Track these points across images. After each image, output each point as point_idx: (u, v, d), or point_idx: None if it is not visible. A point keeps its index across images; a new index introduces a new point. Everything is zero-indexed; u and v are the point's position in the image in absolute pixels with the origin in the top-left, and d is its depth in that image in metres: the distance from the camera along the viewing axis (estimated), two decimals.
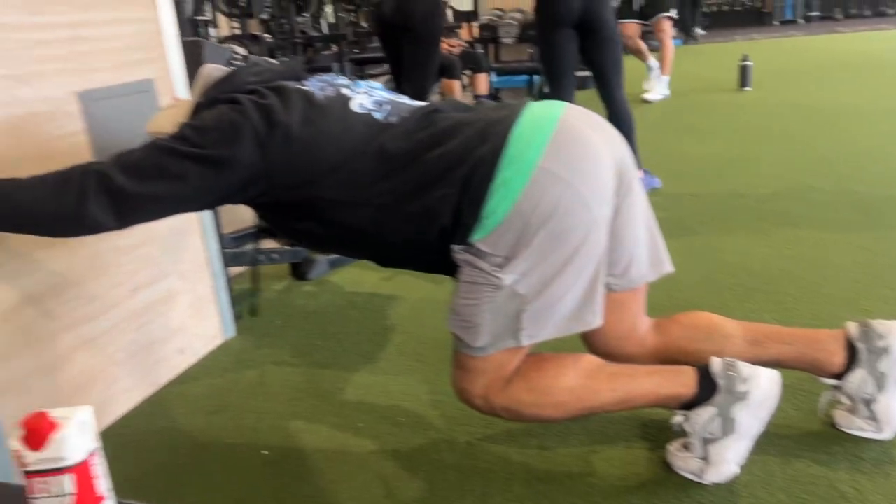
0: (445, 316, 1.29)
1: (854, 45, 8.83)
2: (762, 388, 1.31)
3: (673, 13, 6.08)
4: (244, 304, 2.31)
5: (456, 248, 1.24)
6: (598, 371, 1.34)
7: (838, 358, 1.41)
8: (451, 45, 5.01)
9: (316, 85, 1.33)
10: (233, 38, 8.29)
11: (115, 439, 1.53)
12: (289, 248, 2.56)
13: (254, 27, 9.04)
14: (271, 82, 1.31)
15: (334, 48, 9.27)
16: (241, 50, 2.26)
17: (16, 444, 0.76)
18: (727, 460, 1.33)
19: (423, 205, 1.23)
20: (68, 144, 1.58)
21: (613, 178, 1.27)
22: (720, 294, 2.18)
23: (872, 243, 2.46)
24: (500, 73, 6.38)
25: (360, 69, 9.17)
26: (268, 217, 1.38)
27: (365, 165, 1.24)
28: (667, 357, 1.44)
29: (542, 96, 6.58)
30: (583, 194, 1.21)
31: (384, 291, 2.42)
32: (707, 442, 1.33)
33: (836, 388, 1.44)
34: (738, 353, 1.40)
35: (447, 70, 4.70)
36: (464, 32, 5.54)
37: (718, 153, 4.04)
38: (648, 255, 1.40)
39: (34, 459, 0.76)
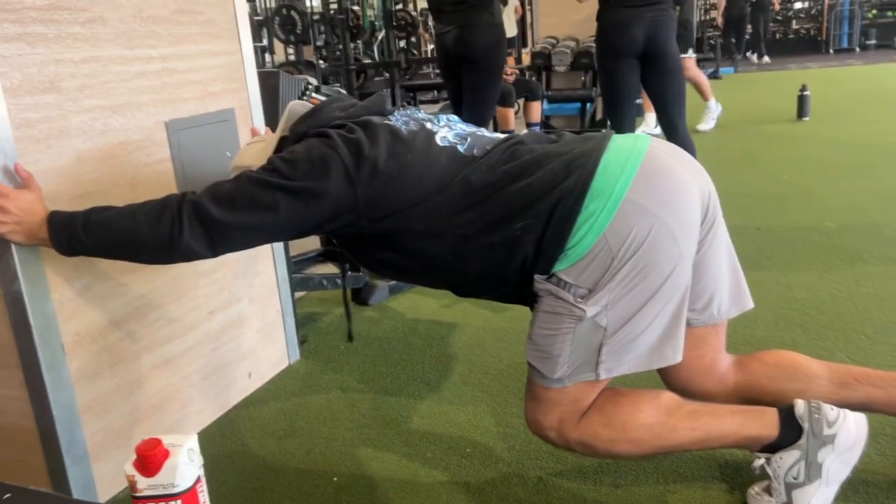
0: (507, 344, 1.29)
1: None
2: (850, 433, 1.27)
3: (691, 54, 6.04)
4: (310, 328, 2.34)
5: (538, 278, 1.24)
6: (678, 408, 1.31)
7: None
8: (505, 74, 5.04)
9: (400, 119, 1.35)
10: (288, 64, 8.51)
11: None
12: (351, 273, 2.59)
13: (308, 53, 9.26)
14: (357, 117, 1.34)
15: (386, 75, 9.44)
16: (313, 80, 2.30)
17: (130, 469, 0.78)
18: None
19: (506, 235, 1.23)
20: (155, 172, 1.64)
21: (700, 212, 1.26)
22: (791, 331, 2.13)
23: None
24: (551, 100, 6.39)
25: (411, 95, 9.32)
26: (349, 247, 1.40)
27: (449, 198, 1.25)
28: (748, 396, 1.41)
29: (593, 124, 6.57)
30: (671, 227, 1.20)
31: (445, 319, 2.42)
32: (791, 487, 1.30)
33: None
34: (823, 394, 1.37)
35: (502, 98, 4.72)
36: (510, 59, 5.56)
37: (780, 186, 3.97)
38: (730, 290, 1.38)
39: (146, 485, 0.78)
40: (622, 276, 1.18)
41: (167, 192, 1.30)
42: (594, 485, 1.49)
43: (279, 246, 2.10)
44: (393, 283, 2.68)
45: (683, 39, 5.72)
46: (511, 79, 5.25)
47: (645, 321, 1.21)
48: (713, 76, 12.18)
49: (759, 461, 1.33)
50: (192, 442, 0.82)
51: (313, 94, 2.20)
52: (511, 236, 1.23)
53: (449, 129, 1.36)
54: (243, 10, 1.91)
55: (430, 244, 1.28)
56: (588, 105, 6.36)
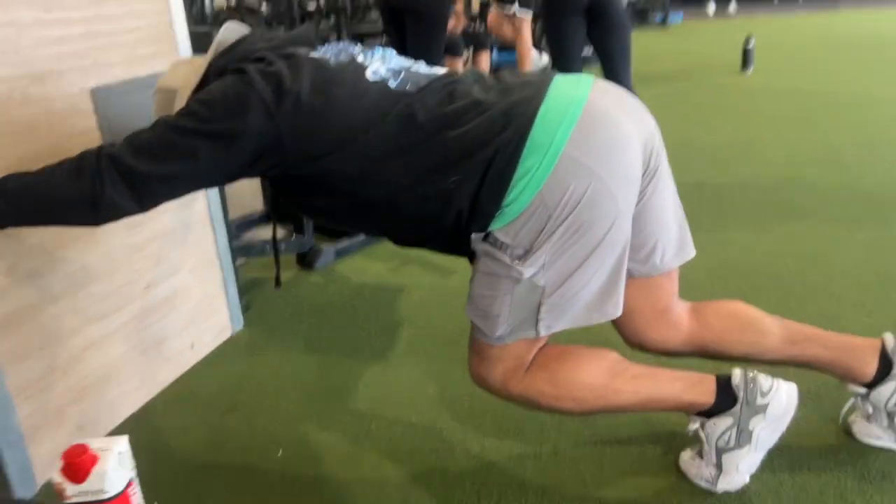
0: (452, 310, 1.29)
1: (856, 26, 8.77)
2: (780, 403, 1.32)
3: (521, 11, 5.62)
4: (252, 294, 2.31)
5: (474, 237, 1.21)
6: (622, 371, 1.33)
7: (871, 368, 1.43)
8: (454, 23, 4.95)
9: (330, 51, 1.29)
10: (228, 11, 8.18)
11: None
12: (295, 237, 2.55)
13: None
14: (281, 49, 1.27)
15: (332, 21, 9.14)
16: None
17: (57, 476, 0.77)
18: (740, 470, 1.36)
19: (439, 188, 1.19)
20: (81, 143, 1.55)
21: (641, 163, 1.23)
22: (727, 292, 2.19)
23: (878, 241, 2.47)
24: (501, 48, 6.32)
25: (360, 42, 9.01)
26: (283, 191, 1.33)
27: (379, 137, 1.19)
28: (700, 344, 1.44)
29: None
30: (608, 184, 1.16)
31: (391, 283, 2.42)
32: (721, 451, 1.35)
33: (863, 396, 1.45)
34: (773, 349, 1.42)
35: (449, 48, 4.64)
36: (459, 6, 5.42)
37: (722, 140, 4.04)
38: (675, 239, 1.37)
39: (75, 492, 0.77)
40: (559, 235, 1.16)
41: None
42: (535, 451, 1.53)
43: (218, 211, 2.04)
44: (339, 246, 2.66)
45: None
46: (459, 29, 5.15)
47: (584, 278, 1.20)
48: (661, 24, 12.21)
49: (694, 425, 1.38)
50: (123, 445, 0.80)
51: None
52: (446, 190, 1.18)
53: (382, 63, 1.28)
54: None
55: (362, 190, 1.23)
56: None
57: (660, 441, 1.54)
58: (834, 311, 2.03)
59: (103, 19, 1.61)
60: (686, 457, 1.44)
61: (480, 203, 1.17)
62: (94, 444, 0.78)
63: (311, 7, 10.37)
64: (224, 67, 1.26)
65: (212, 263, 2.02)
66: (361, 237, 2.72)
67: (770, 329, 1.46)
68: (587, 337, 1.36)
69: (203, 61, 1.33)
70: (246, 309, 2.22)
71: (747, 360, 1.46)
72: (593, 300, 1.23)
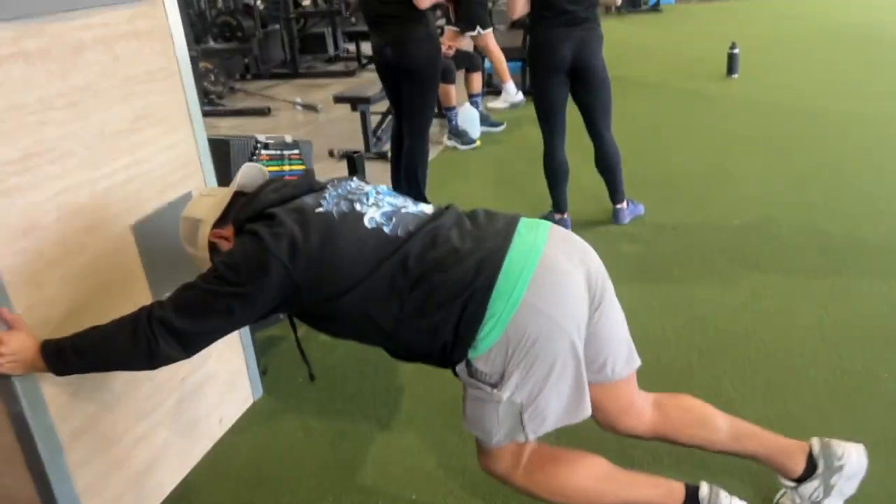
0: (445, 376, 1.56)
1: (856, 11, 8.91)
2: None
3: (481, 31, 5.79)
4: (268, 359, 2.59)
5: (459, 368, 1.50)
6: (607, 476, 1.61)
7: (800, 467, 1.72)
8: (446, 48, 5.14)
9: (331, 201, 1.53)
10: (224, 13, 8.30)
11: None
12: None
13: None
14: (291, 201, 1.53)
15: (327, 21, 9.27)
16: (261, 137, 2.46)
17: None
18: None
19: (429, 323, 1.47)
20: (126, 277, 1.83)
21: (587, 300, 1.51)
22: (689, 354, 2.47)
23: (830, 299, 2.75)
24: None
25: (355, 42, 9.19)
26: (299, 317, 1.63)
27: (378, 282, 1.46)
28: (661, 432, 1.73)
29: (527, 92, 6.63)
30: (559, 322, 1.45)
31: None
32: None
33: (792, 488, 1.75)
34: (721, 443, 1.72)
35: (443, 75, 4.85)
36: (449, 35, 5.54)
37: (701, 170, 4.29)
38: (623, 353, 1.65)
39: None
40: (524, 363, 1.44)
41: (140, 289, 1.51)
42: None
43: None
44: None
45: (476, 17, 5.62)
46: (451, 52, 5.35)
47: (552, 393, 1.48)
48: (654, 8, 12.29)
49: None
50: None
51: (262, 152, 2.39)
52: (434, 323, 1.46)
53: (377, 209, 1.53)
54: (192, 94, 2.05)
55: (367, 321, 1.50)
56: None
57: None
58: (780, 379, 2.31)
59: (139, 163, 1.86)
60: None
61: (459, 337, 1.45)
62: None
63: (306, 1, 10.47)
64: (243, 223, 1.52)
65: (235, 347, 2.30)
66: None
67: (720, 426, 1.74)
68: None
69: (224, 196, 1.61)
70: (263, 373, 2.50)
71: (699, 448, 1.75)
72: (566, 407, 1.52)
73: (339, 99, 5.10)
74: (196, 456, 2.15)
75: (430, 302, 1.46)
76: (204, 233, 1.59)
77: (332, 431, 2.25)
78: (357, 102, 4.93)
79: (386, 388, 2.44)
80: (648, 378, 2.15)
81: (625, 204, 3.57)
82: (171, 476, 2.04)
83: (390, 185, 3.90)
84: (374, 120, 5.35)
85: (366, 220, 1.50)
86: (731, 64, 6.64)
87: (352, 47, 9.50)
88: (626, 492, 1.61)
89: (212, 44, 7.81)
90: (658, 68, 7.31)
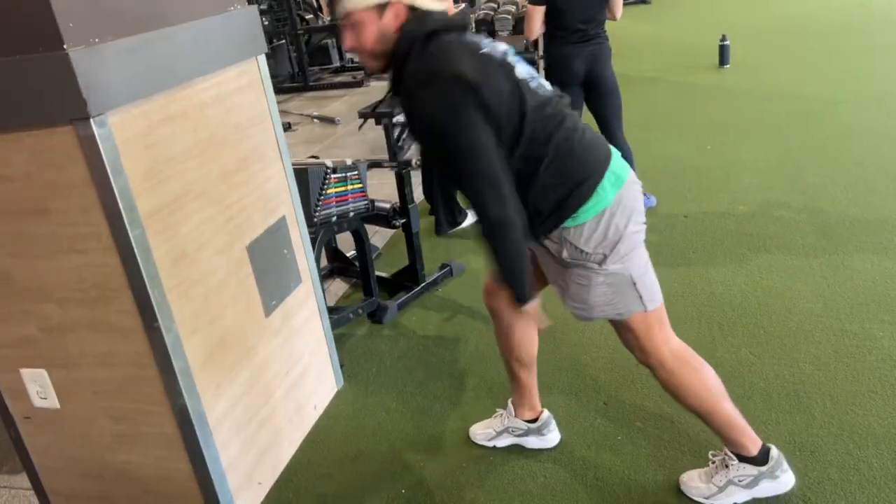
0: (496, 364, 1.92)
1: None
2: (787, 483, 1.98)
3: None
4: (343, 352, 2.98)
5: (565, 255, 1.76)
6: (721, 385, 1.92)
7: (755, 451, 1.97)
8: None
9: (485, 42, 1.70)
10: None
11: (293, 484, 2.23)
12: (365, 300, 3.20)
13: None
14: (458, 28, 1.68)
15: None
16: (329, 163, 2.83)
17: None
18: (734, 498, 1.99)
19: (559, 181, 1.71)
20: (244, 288, 2.20)
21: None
22: (710, 329, 2.85)
23: (831, 272, 3.13)
24: None
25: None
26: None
27: (540, 130, 1.67)
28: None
29: None
30: (641, 212, 1.81)
31: (448, 334, 3.08)
32: (730, 483, 1.98)
33: (731, 459, 1.98)
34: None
35: None
36: None
37: (703, 161, 4.66)
38: None
39: None
40: (626, 238, 1.74)
41: (253, 299, 1.88)
42: (641, 459, 2.21)
43: (321, 301, 2.69)
44: (400, 300, 3.31)
45: None
46: None
47: (644, 262, 1.83)
48: (642, 0, 12.63)
49: (727, 458, 1.98)
50: None
51: (332, 176, 2.76)
52: (556, 187, 1.71)
53: (521, 66, 1.71)
54: (280, 132, 2.42)
55: (525, 161, 1.69)
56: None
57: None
58: (791, 344, 2.69)
59: (248, 195, 2.23)
60: (686, 477, 2.11)
61: (571, 201, 1.71)
62: None
63: (309, 15, 10.81)
64: (412, 39, 1.64)
65: (321, 343, 2.68)
66: (415, 290, 3.37)
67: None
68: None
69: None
70: (342, 365, 2.88)
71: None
72: (654, 280, 1.86)
73: (363, 115, 5.45)
74: (300, 436, 2.53)
75: (570, 162, 1.71)
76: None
77: (411, 410, 2.63)
78: (381, 117, 5.29)
79: (450, 371, 2.81)
80: None
81: None
82: (285, 453, 2.43)
83: (422, 195, 4.29)
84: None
85: (517, 71, 1.68)
86: (723, 55, 7.01)
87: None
88: (731, 409, 1.92)
89: None
90: (651, 63, 7.69)
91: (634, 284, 1.80)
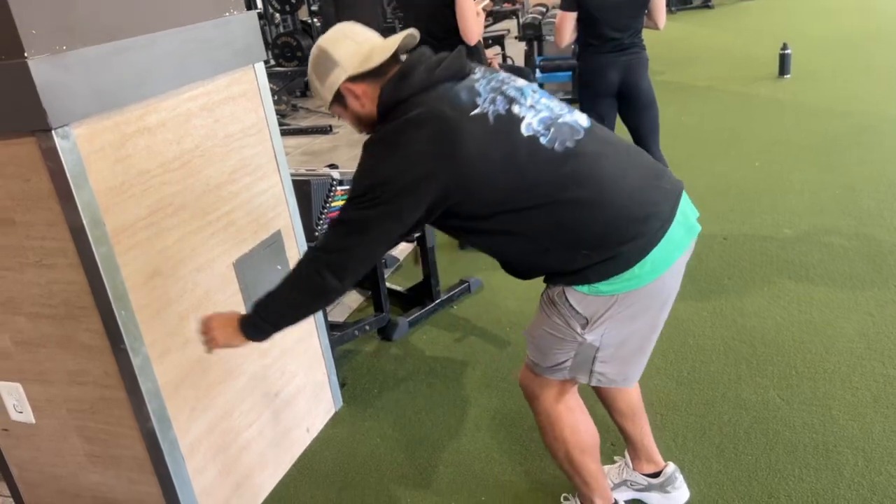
0: (510, 387, 1.76)
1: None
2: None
3: None
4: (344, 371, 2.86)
5: (555, 295, 1.55)
6: (594, 447, 1.79)
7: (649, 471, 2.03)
8: (490, 61, 5.33)
9: (486, 96, 1.45)
10: (285, 34, 8.69)
11: None
12: (374, 317, 3.08)
13: (302, 14, 9.38)
14: (441, 82, 1.46)
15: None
16: (336, 175, 2.72)
17: None
18: None
19: (568, 256, 1.49)
20: (228, 307, 2.11)
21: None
22: (737, 366, 2.63)
23: (877, 308, 2.86)
24: (543, 70, 6.68)
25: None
26: (447, 229, 1.62)
27: (534, 201, 1.44)
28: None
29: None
30: (666, 295, 1.58)
31: (457, 356, 2.93)
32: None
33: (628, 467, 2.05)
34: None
35: None
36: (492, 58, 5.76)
37: (752, 176, 4.39)
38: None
39: None
40: (619, 317, 1.53)
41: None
42: None
43: (321, 318, 2.58)
44: (411, 318, 3.18)
45: None
46: (495, 64, 5.54)
47: (628, 346, 1.64)
48: (705, 5, 12.23)
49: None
50: None
51: (338, 188, 2.65)
52: (572, 257, 1.48)
53: (535, 113, 1.47)
54: (279, 143, 2.32)
55: (509, 240, 1.52)
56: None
57: None
58: (824, 389, 2.44)
59: (238, 208, 2.13)
60: None
61: (588, 273, 1.48)
62: None
63: None
64: (389, 107, 1.48)
65: (318, 362, 2.57)
66: (428, 307, 3.24)
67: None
68: None
69: (372, 53, 1.52)
70: (342, 385, 2.77)
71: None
72: (629, 362, 1.68)
73: None
74: (288, 462, 2.42)
75: (579, 239, 1.47)
76: (337, 79, 1.54)
77: (407, 439, 2.49)
78: None
79: (453, 399, 2.67)
80: (697, 386, 2.37)
81: None
82: (268, 480, 2.32)
83: None
84: None
85: (522, 127, 1.44)
86: (783, 65, 6.66)
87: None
88: (594, 467, 1.81)
89: (275, 66, 8.18)
90: (707, 70, 7.36)
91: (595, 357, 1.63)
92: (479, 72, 1.55)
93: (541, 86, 6.80)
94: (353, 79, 1.53)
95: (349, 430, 2.58)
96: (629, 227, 1.46)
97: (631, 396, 1.95)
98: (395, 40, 1.54)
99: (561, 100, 1.62)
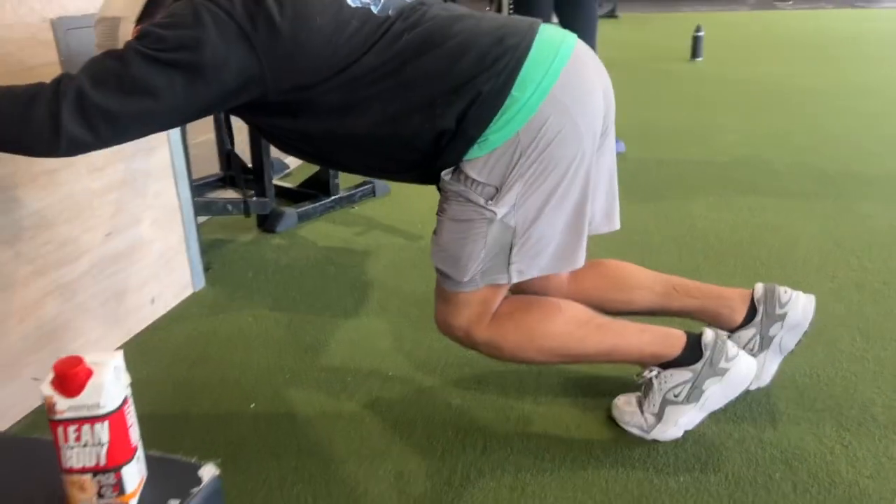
0: (423, 272, 1.26)
1: (796, 23, 9.05)
2: (740, 372, 1.33)
3: None
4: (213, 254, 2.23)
5: (446, 177, 1.20)
6: (588, 321, 1.33)
7: (739, 315, 1.47)
8: None
9: None
10: None
11: None
12: (257, 198, 2.47)
13: None
14: None
15: None
16: None
17: (47, 389, 0.70)
18: (678, 424, 1.36)
19: (428, 110, 1.16)
20: (40, 76, 1.46)
21: (601, 117, 1.24)
22: (693, 258, 2.22)
23: (835, 213, 2.54)
24: None
25: None
26: (253, 119, 1.27)
27: (365, 68, 1.15)
28: (582, 302, 1.43)
29: None
30: (579, 127, 1.18)
31: (358, 246, 2.37)
32: (667, 403, 1.36)
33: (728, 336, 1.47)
34: (646, 303, 1.47)
35: None
36: None
37: (677, 124, 4.09)
38: (605, 205, 1.37)
39: (67, 406, 0.70)
40: (529, 174, 1.17)
41: None
42: (516, 402, 1.51)
43: (181, 165, 1.96)
44: (302, 209, 2.59)
45: None
46: None
47: (552, 220, 1.21)
48: (611, 15, 12.37)
49: (650, 373, 1.37)
50: (118, 360, 0.74)
51: None
52: (432, 113, 1.16)
53: None
54: None
55: (344, 120, 1.18)
56: None
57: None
58: (800, 275, 2.08)
59: None
60: (620, 403, 1.44)
61: (465, 126, 1.16)
62: (88, 357, 0.72)
63: None
64: None
65: (173, 217, 1.93)
66: (324, 201, 2.66)
67: (642, 284, 1.50)
68: None
69: None
70: (207, 268, 2.14)
71: (627, 314, 1.47)
72: (560, 246, 1.24)
73: None
74: (122, 335, 1.77)
75: (434, 84, 1.16)
76: (126, 31, 1.21)
77: (290, 319, 1.90)
78: None
79: (353, 282, 2.10)
80: None
81: None
82: (90, 349, 1.66)
83: None
84: None
85: None
86: (696, 47, 6.57)
87: None
88: (610, 338, 1.34)
89: None
90: (620, 55, 7.21)
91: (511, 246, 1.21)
92: None
93: None
94: (142, 19, 1.20)
95: (212, 309, 1.95)
96: (483, 58, 1.16)
97: (628, 277, 1.52)
98: None
99: None
